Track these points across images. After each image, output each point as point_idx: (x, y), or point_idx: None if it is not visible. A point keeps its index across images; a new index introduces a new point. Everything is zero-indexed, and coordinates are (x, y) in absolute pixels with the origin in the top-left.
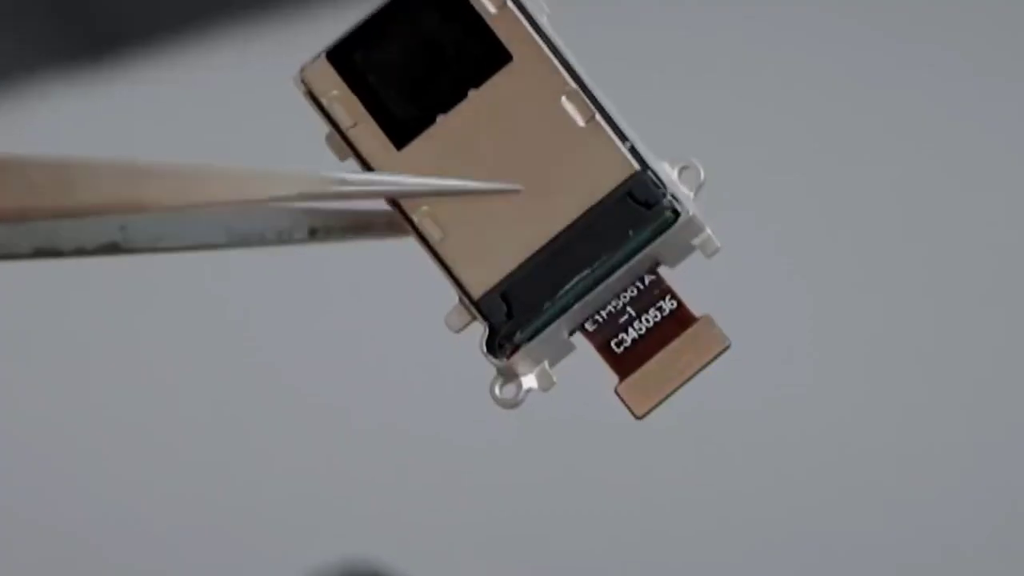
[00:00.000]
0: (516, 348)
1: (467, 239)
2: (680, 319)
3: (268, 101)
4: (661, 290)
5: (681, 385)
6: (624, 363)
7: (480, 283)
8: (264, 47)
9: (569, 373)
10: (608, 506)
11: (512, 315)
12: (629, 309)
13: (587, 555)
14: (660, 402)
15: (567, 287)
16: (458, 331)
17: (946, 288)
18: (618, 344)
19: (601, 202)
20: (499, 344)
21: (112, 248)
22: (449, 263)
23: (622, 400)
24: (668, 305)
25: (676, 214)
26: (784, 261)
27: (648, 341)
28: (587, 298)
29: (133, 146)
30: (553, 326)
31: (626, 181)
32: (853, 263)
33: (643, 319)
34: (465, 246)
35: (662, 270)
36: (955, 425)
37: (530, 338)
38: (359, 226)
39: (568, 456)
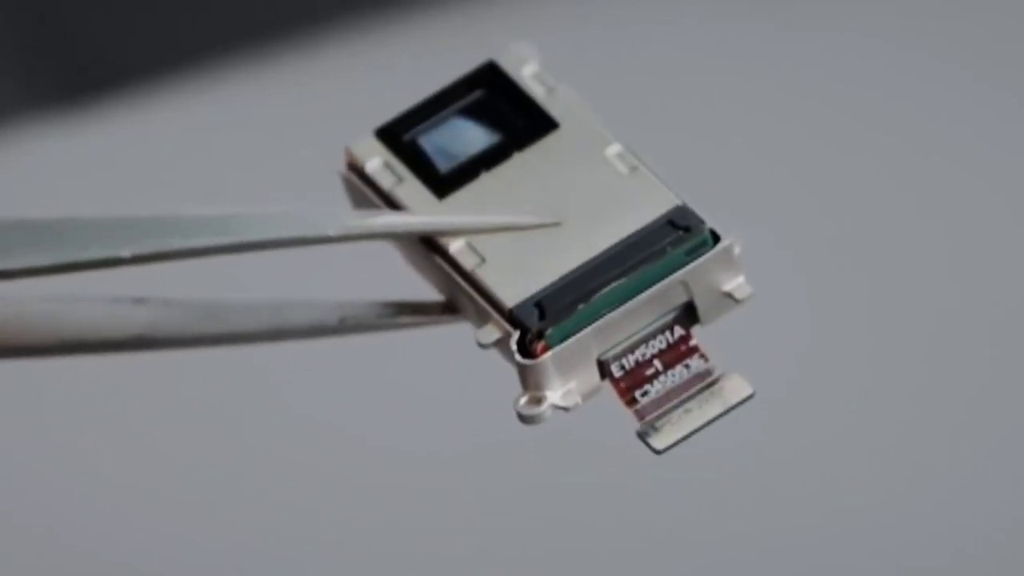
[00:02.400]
0: (547, 347)
1: (503, 263)
2: (705, 376)
3: (250, 143)
4: (689, 348)
5: (702, 426)
6: (646, 410)
7: (514, 295)
8: (245, 88)
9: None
10: (608, 509)
11: (545, 317)
12: (656, 363)
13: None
14: (681, 439)
15: (602, 292)
16: (487, 346)
17: (947, 289)
18: (643, 395)
19: (641, 229)
20: (530, 341)
21: (141, 342)
22: (483, 282)
23: (643, 439)
24: (695, 364)
25: (716, 239)
26: (784, 261)
27: (672, 394)
28: (620, 310)
29: (110, 189)
30: (585, 333)
31: (667, 212)
32: (854, 263)
33: (669, 374)
34: (501, 268)
35: (694, 330)
36: (957, 427)
37: (561, 339)
38: (402, 312)
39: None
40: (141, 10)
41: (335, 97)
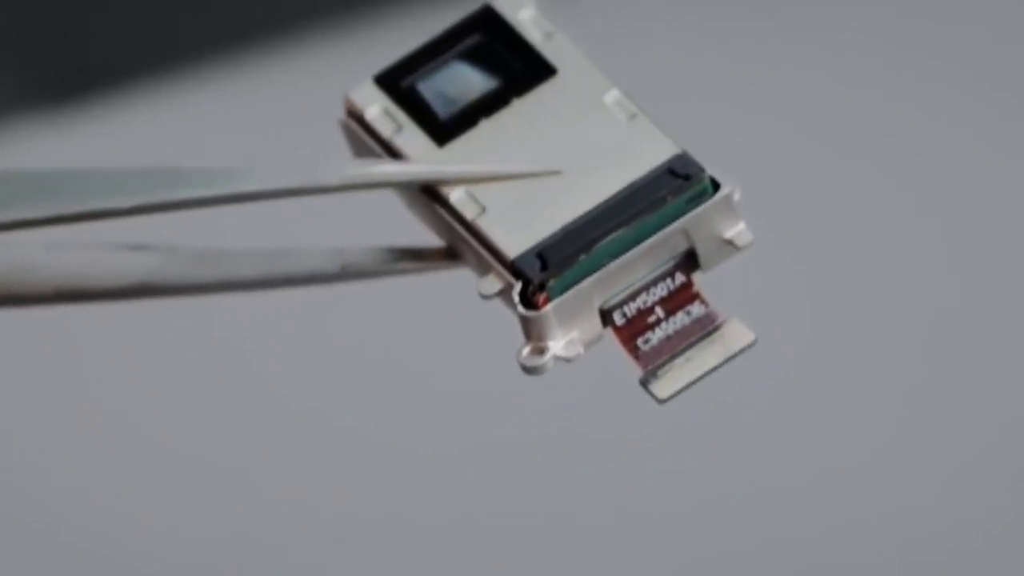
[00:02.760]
0: (549, 299)
1: (504, 213)
2: (707, 322)
3: (251, 139)
4: (691, 294)
5: (705, 374)
6: (649, 357)
7: (516, 246)
8: (235, 88)
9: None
10: (611, 459)
11: (547, 268)
12: (658, 310)
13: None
14: (683, 388)
15: (603, 242)
16: (489, 296)
17: (947, 287)
18: (645, 342)
19: (641, 178)
20: (532, 292)
21: (141, 290)
22: (484, 232)
23: (645, 387)
24: (696, 310)
25: (716, 187)
26: (784, 207)
27: (674, 340)
28: (622, 259)
29: None
30: (586, 283)
31: (667, 161)
32: (855, 209)
33: (671, 321)
34: (502, 218)
35: (695, 276)
36: (958, 371)
37: (563, 290)
38: (403, 258)
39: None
40: (140, 10)
41: (332, 51)
